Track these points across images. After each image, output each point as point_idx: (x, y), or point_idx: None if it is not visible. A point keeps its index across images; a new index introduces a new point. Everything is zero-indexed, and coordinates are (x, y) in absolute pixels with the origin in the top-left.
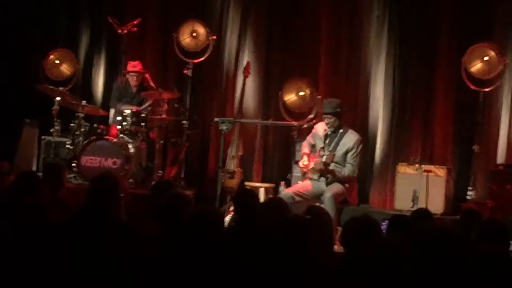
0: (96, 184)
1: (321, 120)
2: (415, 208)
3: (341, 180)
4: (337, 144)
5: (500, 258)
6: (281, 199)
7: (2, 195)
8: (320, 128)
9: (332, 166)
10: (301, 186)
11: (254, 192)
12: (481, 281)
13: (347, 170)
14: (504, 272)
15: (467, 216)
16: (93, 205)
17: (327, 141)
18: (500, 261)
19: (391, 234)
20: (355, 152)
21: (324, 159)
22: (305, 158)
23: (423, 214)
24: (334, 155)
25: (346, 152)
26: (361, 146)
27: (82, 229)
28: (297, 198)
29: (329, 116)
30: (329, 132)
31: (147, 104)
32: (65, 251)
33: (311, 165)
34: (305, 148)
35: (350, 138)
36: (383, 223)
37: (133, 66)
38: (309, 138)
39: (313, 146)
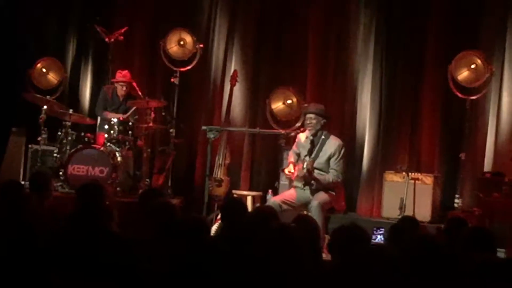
0: (81, 193)
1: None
2: (402, 215)
3: (326, 187)
4: (320, 150)
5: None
6: (270, 207)
7: None
8: (303, 136)
9: (316, 173)
10: (288, 194)
11: (242, 201)
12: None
13: (331, 176)
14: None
15: (453, 224)
16: (80, 215)
17: (308, 148)
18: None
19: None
20: (337, 157)
21: (305, 165)
22: (291, 166)
23: (409, 221)
24: (313, 161)
25: (329, 158)
26: (343, 150)
27: (70, 239)
28: (285, 207)
29: (312, 116)
30: (311, 137)
31: (132, 110)
32: (53, 263)
33: (296, 173)
34: (291, 157)
35: (331, 144)
36: (378, 231)
37: (123, 75)
38: (294, 147)
39: (298, 155)
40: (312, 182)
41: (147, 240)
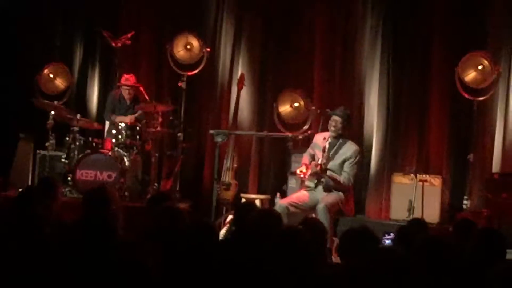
0: (88, 197)
1: (316, 130)
2: (410, 218)
3: (337, 187)
4: (336, 153)
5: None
6: (273, 210)
7: None
8: (319, 137)
9: (328, 174)
10: (296, 197)
11: (255, 204)
12: None
13: (342, 178)
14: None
15: (461, 226)
16: (87, 220)
17: (326, 150)
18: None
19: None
20: (352, 162)
21: (319, 161)
22: (303, 167)
23: (417, 224)
24: (329, 158)
25: (344, 161)
26: (359, 156)
27: (78, 245)
28: (292, 209)
29: (338, 119)
30: (330, 140)
31: (139, 112)
32: (61, 268)
33: (309, 171)
34: (305, 159)
35: (349, 148)
36: (387, 236)
37: (126, 79)
38: (309, 150)
39: (312, 157)
40: (323, 180)
41: (153, 245)
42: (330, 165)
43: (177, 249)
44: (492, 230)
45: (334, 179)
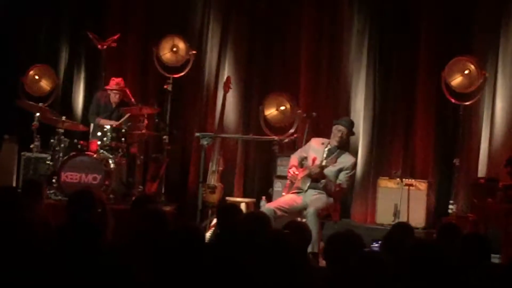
0: (73, 200)
1: (302, 134)
2: (396, 222)
3: (330, 192)
4: (335, 160)
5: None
6: (262, 213)
7: None
8: (317, 141)
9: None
10: (284, 200)
11: (239, 207)
12: None
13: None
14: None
15: (445, 230)
16: (71, 223)
17: (325, 155)
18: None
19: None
20: (349, 173)
21: (324, 163)
22: (294, 168)
23: (403, 228)
24: (335, 160)
25: (340, 170)
26: (354, 170)
27: (63, 248)
28: (279, 213)
29: (344, 130)
30: (330, 146)
31: (125, 117)
32: (47, 271)
33: (306, 171)
34: (294, 160)
35: (348, 159)
36: (375, 244)
37: (116, 83)
38: (300, 152)
39: (303, 159)
40: (323, 180)
41: (139, 248)
42: (327, 171)
43: (162, 252)
44: (476, 235)
45: (329, 183)
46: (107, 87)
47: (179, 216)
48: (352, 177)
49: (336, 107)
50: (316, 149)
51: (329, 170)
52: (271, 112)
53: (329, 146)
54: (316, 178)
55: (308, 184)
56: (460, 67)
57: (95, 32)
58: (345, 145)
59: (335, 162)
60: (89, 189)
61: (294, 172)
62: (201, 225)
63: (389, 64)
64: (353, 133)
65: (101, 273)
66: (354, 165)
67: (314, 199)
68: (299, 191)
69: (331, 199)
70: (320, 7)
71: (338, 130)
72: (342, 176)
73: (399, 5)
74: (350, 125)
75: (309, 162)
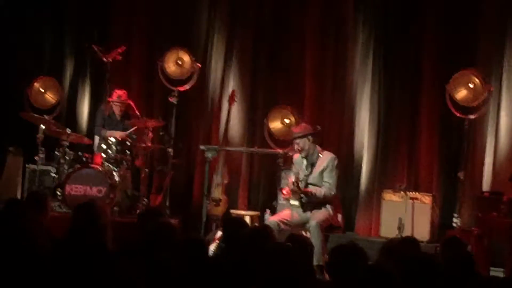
0: (77, 212)
1: None
2: (400, 235)
3: (320, 201)
4: (313, 166)
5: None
6: (267, 226)
7: None
8: (297, 155)
9: (309, 188)
10: (286, 213)
11: (244, 220)
12: None
13: (323, 189)
14: None
15: (449, 244)
16: (75, 236)
17: (303, 166)
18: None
19: (381, 260)
20: (330, 170)
21: (293, 179)
22: (287, 187)
23: (410, 241)
24: (299, 174)
25: (322, 171)
26: (336, 162)
27: (66, 261)
28: (283, 226)
29: (297, 141)
30: (303, 156)
31: (132, 129)
32: (50, 282)
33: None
34: (290, 178)
35: (324, 158)
36: None
37: (118, 95)
38: (293, 168)
39: (298, 175)
40: (302, 195)
41: (145, 260)
42: (311, 178)
43: (168, 264)
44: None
45: (313, 195)
46: (110, 99)
47: (183, 228)
48: (335, 172)
49: (341, 120)
50: (298, 162)
51: (313, 177)
52: (275, 125)
53: (303, 156)
54: (298, 195)
55: (298, 202)
56: (464, 80)
57: (100, 45)
58: (314, 147)
59: (310, 171)
60: (92, 202)
61: (286, 192)
62: (206, 238)
63: (393, 76)
64: (311, 133)
65: (102, 285)
66: (333, 160)
67: (314, 212)
68: (294, 207)
69: (329, 208)
70: (324, 19)
71: (294, 144)
72: (326, 176)
73: (403, 18)
74: (299, 132)
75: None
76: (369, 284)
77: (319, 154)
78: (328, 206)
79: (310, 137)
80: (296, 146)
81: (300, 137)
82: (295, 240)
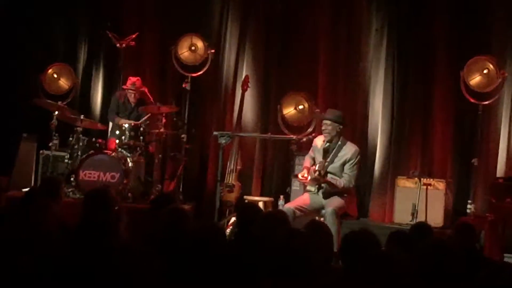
0: (89, 198)
1: (320, 133)
2: (414, 221)
3: (338, 191)
4: (335, 156)
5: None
6: (281, 211)
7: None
8: (319, 140)
9: (329, 177)
10: (301, 200)
11: (258, 206)
12: None
13: (343, 181)
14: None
15: (461, 230)
16: (87, 221)
17: (324, 153)
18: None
19: (391, 248)
20: (352, 163)
21: (317, 167)
22: (305, 171)
23: (423, 228)
24: (325, 164)
25: (344, 163)
26: (359, 157)
27: (79, 246)
28: (298, 213)
29: (328, 122)
30: (327, 144)
31: (145, 118)
32: (63, 268)
33: (309, 177)
34: (307, 162)
35: (348, 150)
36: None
37: (132, 82)
38: (310, 152)
39: (314, 160)
40: (323, 185)
41: (155, 247)
42: (330, 168)
43: (183, 251)
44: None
45: (333, 185)
46: (124, 87)
47: (196, 215)
48: (357, 166)
49: (354, 106)
50: (318, 149)
51: (333, 167)
52: (289, 111)
53: (325, 145)
54: (318, 183)
55: (315, 187)
56: (478, 66)
57: (113, 31)
58: (339, 136)
59: (331, 160)
60: (104, 188)
61: (303, 176)
62: (219, 224)
63: (407, 63)
64: (342, 124)
65: (115, 272)
66: (357, 154)
67: (331, 198)
68: (311, 192)
69: (346, 196)
70: (337, 5)
71: (323, 124)
72: (347, 169)
73: (417, 5)
74: (335, 117)
75: (317, 162)
76: (380, 271)
77: (343, 144)
78: (345, 195)
79: (340, 126)
80: (324, 126)
81: (331, 120)
82: (313, 227)
